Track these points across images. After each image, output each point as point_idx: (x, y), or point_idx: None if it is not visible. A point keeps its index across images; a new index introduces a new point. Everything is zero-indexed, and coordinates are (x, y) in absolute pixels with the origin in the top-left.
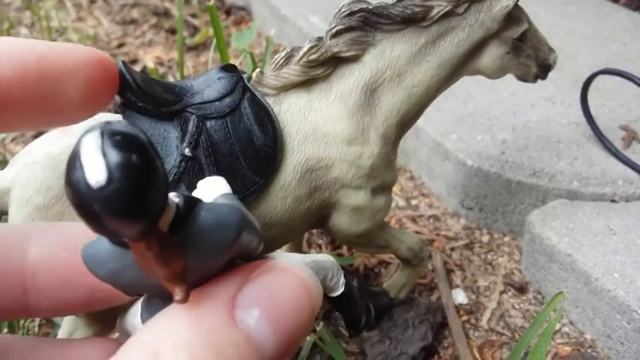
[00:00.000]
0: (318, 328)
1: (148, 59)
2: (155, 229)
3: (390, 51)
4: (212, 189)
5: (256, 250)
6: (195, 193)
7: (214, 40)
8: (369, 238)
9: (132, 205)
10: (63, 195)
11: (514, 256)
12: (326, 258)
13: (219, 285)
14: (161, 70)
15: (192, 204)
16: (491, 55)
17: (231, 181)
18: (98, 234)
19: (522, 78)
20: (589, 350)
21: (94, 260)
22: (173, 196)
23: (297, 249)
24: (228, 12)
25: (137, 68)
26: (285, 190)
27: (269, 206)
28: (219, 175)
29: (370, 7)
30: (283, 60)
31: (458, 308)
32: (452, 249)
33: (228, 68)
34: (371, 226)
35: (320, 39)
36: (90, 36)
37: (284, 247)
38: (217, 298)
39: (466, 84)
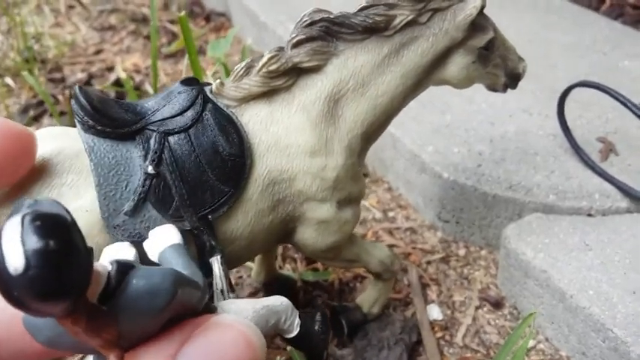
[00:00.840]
0: (288, 348)
1: (120, 69)
2: (81, 305)
3: (352, 61)
4: (162, 239)
5: (199, 304)
6: (147, 243)
7: None
8: (337, 252)
9: (51, 289)
10: None
11: (490, 270)
12: (279, 302)
13: (160, 343)
14: (138, 77)
15: (125, 270)
16: (458, 64)
17: (200, 195)
18: None
19: (492, 87)
20: None
21: (34, 327)
22: (107, 264)
23: (270, 264)
24: (207, 18)
25: (113, 76)
26: (247, 204)
27: (230, 221)
28: (188, 189)
29: (331, 16)
30: (243, 71)
31: (433, 324)
32: (428, 262)
33: (189, 82)
34: (338, 240)
35: (281, 49)
36: (67, 42)
37: (256, 261)
38: (157, 357)
39: (444, 94)
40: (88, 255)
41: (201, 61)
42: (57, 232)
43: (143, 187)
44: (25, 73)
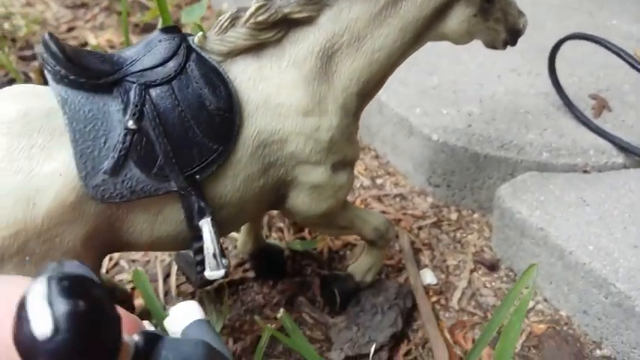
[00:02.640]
0: (278, 316)
1: (94, 44)
2: None
3: (347, 12)
4: (184, 316)
5: None
6: (168, 320)
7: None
8: (331, 219)
9: (80, 355)
10: None
11: (484, 233)
12: None
13: None
14: None
15: (153, 341)
16: (458, 17)
17: (186, 152)
18: None
19: (491, 44)
20: (565, 328)
21: None
22: (133, 335)
23: (257, 233)
24: None
25: None
26: (236, 167)
27: (219, 185)
28: (173, 146)
29: None
30: (228, 22)
31: (427, 289)
32: (419, 228)
33: (170, 30)
34: (332, 206)
35: None
36: (38, 20)
37: (242, 230)
38: None
39: (430, 55)
40: (116, 319)
41: None
42: (85, 293)
43: (124, 143)
44: None
